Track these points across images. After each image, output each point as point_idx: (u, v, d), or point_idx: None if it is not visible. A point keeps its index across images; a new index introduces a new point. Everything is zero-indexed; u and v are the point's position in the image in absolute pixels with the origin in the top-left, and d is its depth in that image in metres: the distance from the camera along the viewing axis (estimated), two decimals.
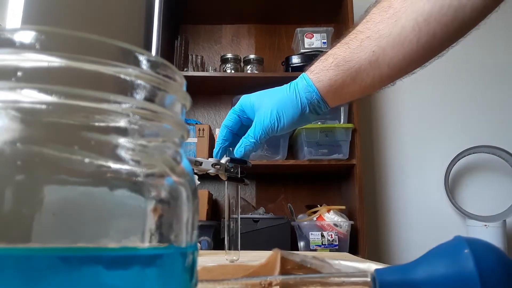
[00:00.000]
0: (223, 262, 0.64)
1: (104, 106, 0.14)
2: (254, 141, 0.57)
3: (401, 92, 2.08)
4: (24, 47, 0.14)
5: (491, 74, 2.06)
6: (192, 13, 2.08)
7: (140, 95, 0.15)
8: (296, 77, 0.57)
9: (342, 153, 1.74)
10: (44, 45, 0.14)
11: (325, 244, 1.63)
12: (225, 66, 1.94)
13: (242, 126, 0.62)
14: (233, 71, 1.93)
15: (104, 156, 0.14)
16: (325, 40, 1.89)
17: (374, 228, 1.96)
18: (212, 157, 0.61)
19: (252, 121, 0.59)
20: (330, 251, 1.58)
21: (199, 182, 0.93)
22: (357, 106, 1.76)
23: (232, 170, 0.62)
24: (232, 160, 0.60)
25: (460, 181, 2.02)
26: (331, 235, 1.63)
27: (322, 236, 1.64)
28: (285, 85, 0.58)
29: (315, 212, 1.71)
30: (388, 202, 1.99)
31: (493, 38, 2.06)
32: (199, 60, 1.98)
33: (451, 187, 1.98)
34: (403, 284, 0.23)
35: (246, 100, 0.61)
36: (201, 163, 0.59)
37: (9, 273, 0.12)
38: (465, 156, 1.95)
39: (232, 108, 0.62)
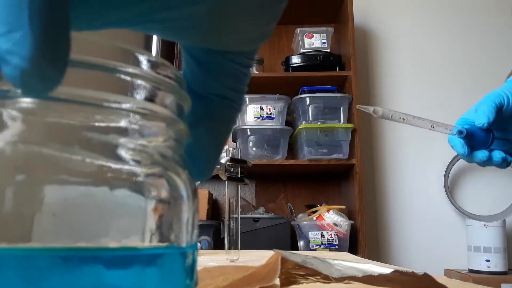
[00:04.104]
0: (223, 261, 0.64)
1: (104, 106, 0.14)
2: None
3: (400, 92, 2.08)
4: None
5: (491, 74, 2.06)
6: None
7: (140, 95, 0.15)
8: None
9: (342, 153, 1.73)
10: None
11: (325, 244, 1.63)
12: None
13: None
14: None
15: (104, 156, 0.14)
16: (325, 40, 1.89)
17: (374, 227, 1.96)
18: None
19: None
20: (330, 250, 1.58)
21: (199, 182, 0.93)
22: None
23: (232, 170, 0.62)
24: (232, 160, 0.60)
25: (460, 181, 2.02)
26: (331, 234, 1.64)
27: (322, 235, 1.64)
28: None
29: (315, 211, 1.71)
30: (387, 201, 1.99)
31: (492, 41, 2.06)
32: None
33: (451, 186, 1.98)
34: None
35: None
36: None
37: (9, 273, 0.12)
38: None
39: None
